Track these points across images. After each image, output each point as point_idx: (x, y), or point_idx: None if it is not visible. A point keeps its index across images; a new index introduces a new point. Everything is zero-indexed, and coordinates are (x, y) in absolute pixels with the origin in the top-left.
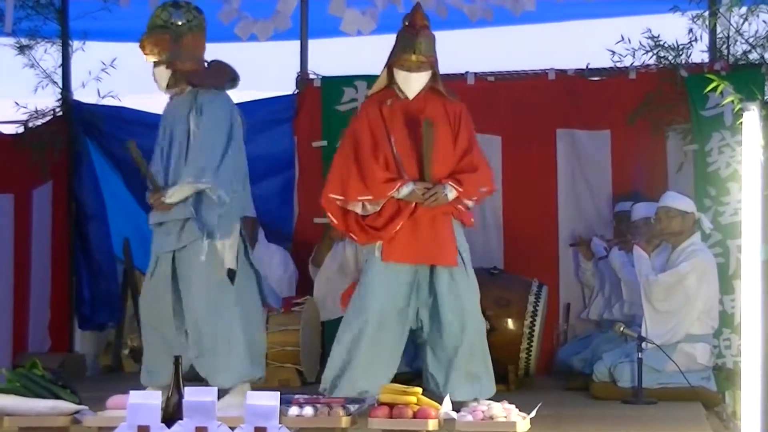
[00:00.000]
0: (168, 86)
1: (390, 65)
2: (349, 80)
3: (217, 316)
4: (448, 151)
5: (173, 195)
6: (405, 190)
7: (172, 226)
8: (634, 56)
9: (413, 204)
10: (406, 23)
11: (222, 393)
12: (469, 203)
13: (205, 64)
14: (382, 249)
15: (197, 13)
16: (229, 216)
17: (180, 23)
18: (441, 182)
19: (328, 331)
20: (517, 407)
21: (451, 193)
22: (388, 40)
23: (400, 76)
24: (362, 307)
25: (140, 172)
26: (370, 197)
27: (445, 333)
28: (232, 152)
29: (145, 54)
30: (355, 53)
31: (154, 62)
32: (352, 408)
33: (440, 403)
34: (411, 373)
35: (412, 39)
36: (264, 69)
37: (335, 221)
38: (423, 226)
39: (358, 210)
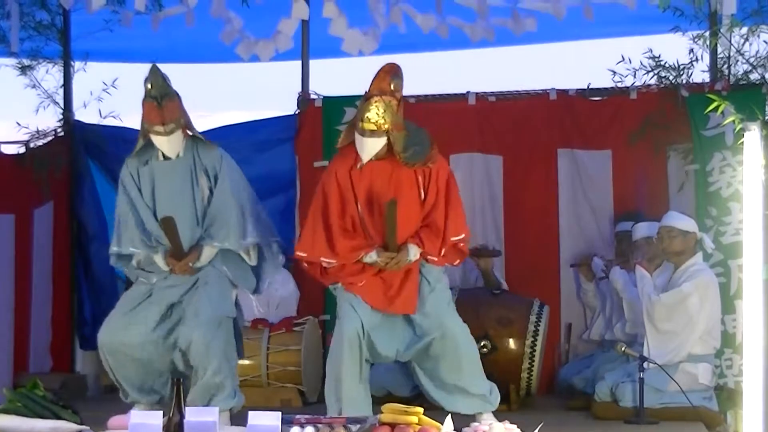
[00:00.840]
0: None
1: (352, 125)
2: (350, 100)
3: (229, 352)
4: (413, 214)
5: (203, 260)
6: (368, 259)
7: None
8: (635, 76)
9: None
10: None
11: None
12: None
13: None
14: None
15: None
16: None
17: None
18: (406, 243)
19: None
20: (518, 427)
21: (415, 255)
22: (390, 61)
23: (356, 138)
24: (336, 336)
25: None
26: (334, 262)
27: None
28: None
29: (165, 125)
30: (357, 73)
31: (171, 130)
32: (354, 428)
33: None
34: (413, 396)
35: (362, 105)
36: (265, 89)
37: (309, 270)
38: (388, 279)
39: (324, 264)
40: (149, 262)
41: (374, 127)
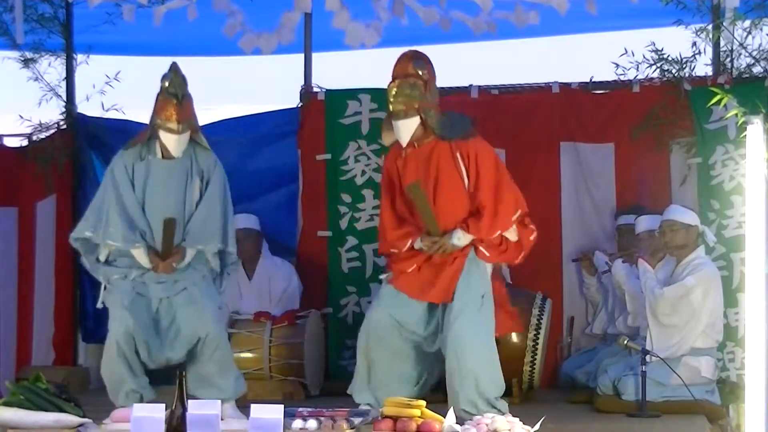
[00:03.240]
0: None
1: (388, 117)
2: (353, 93)
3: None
4: (457, 196)
5: (186, 261)
6: (417, 245)
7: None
8: (637, 69)
9: None
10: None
11: None
12: (510, 237)
13: None
14: (392, 275)
15: None
16: None
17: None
18: (451, 229)
19: (332, 343)
20: (521, 420)
21: (460, 240)
22: (392, 54)
23: (393, 127)
24: (366, 318)
25: None
26: (395, 251)
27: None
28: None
29: (180, 123)
30: (359, 67)
31: (184, 129)
32: (356, 421)
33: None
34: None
35: (388, 91)
36: (268, 82)
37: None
38: (434, 266)
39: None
40: (121, 256)
41: (402, 107)
